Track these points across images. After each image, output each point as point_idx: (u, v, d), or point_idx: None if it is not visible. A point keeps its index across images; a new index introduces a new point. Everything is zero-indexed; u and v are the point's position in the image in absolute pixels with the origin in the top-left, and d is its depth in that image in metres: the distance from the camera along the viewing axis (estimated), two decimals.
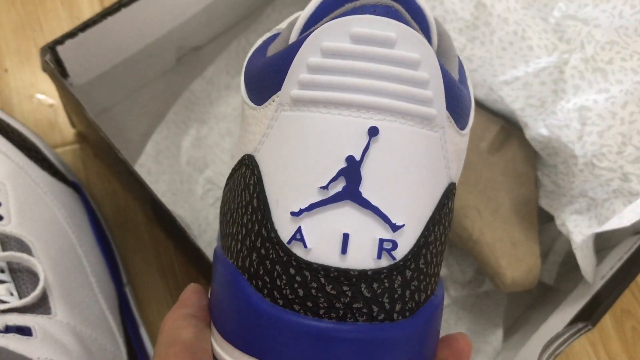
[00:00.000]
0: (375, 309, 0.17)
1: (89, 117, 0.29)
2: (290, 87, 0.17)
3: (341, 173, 0.17)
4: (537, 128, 0.29)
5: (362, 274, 0.17)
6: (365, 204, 0.17)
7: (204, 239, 0.37)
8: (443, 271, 0.37)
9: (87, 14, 0.41)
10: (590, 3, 0.29)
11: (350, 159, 0.17)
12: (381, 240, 0.17)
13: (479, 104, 0.33)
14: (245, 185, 0.19)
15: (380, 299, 0.17)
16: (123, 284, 0.34)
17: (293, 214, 0.17)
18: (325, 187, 0.17)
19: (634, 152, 0.27)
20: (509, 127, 0.33)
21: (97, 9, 0.41)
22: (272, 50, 0.20)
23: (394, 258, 0.18)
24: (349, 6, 0.17)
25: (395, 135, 0.17)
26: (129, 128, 0.38)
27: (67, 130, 0.39)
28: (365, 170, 0.17)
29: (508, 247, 0.32)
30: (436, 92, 0.17)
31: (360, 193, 0.17)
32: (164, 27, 0.36)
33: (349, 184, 0.17)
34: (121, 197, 0.37)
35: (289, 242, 0.17)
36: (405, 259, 0.18)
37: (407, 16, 0.18)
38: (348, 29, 0.17)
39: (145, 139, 0.38)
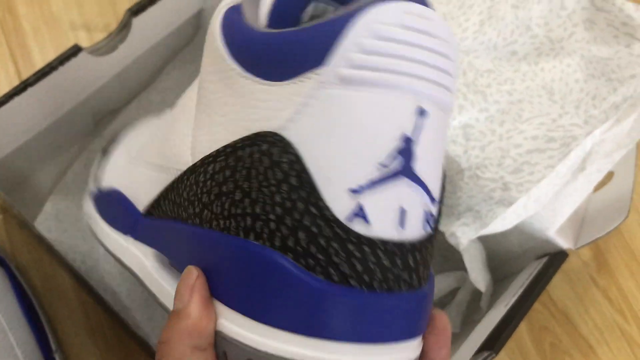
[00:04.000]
0: (414, 277, 0.18)
1: (2, 196, 0.30)
2: (339, 66, 0.17)
3: (398, 150, 0.18)
4: None
5: (412, 245, 0.18)
6: (417, 180, 0.18)
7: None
8: None
9: (3, 86, 0.42)
10: (470, 36, 0.33)
11: (406, 138, 0.18)
12: (426, 213, 0.18)
13: None
14: (273, 163, 0.18)
15: (418, 268, 0.19)
16: (52, 351, 0.34)
17: (353, 190, 0.18)
18: (384, 165, 0.18)
19: (512, 163, 0.30)
20: None
21: (14, 80, 0.42)
22: (250, 16, 0.21)
23: (432, 229, 0.19)
24: None
25: (437, 118, 0.18)
26: (50, 193, 0.39)
27: None
28: (418, 149, 0.18)
29: None
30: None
31: (414, 170, 0.18)
32: (77, 98, 0.37)
33: (405, 161, 0.18)
34: (47, 264, 0.38)
35: (350, 218, 0.18)
36: (435, 228, 0.19)
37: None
38: (401, 16, 0.17)
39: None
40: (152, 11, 0.37)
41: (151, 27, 0.39)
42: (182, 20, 0.41)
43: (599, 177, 0.33)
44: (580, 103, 0.32)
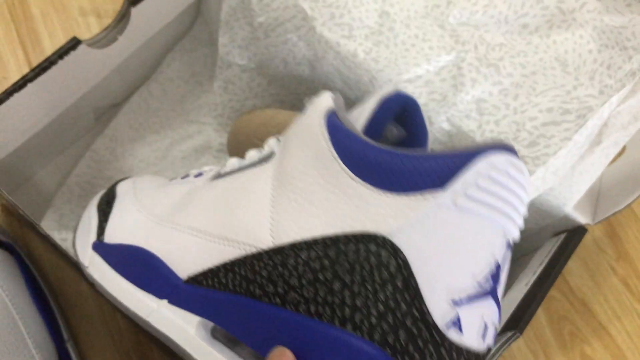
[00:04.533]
0: None
1: (6, 197, 0.29)
2: (458, 196, 0.20)
3: (491, 274, 0.21)
4: (439, 122, 0.31)
5: (482, 354, 0.21)
6: (497, 301, 0.21)
7: None
8: None
9: (13, 73, 0.41)
10: (480, 10, 0.32)
11: (497, 265, 0.21)
12: (495, 329, 0.22)
13: None
14: (381, 264, 0.20)
15: None
16: (64, 341, 0.34)
17: (455, 302, 0.20)
18: (480, 284, 0.21)
19: (528, 137, 0.30)
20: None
21: (23, 66, 0.41)
22: (359, 130, 0.25)
23: (494, 343, 0.22)
24: (500, 142, 0.21)
25: (511, 251, 0.22)
26: (54, 192, 0.38)
27: None
28: (501, 274, 0.21)
29: None
30: None
31: (497, 292, 0.21)
32: (78, 92, 0.36)
33: (493, 283, 0.21)
34: (57, 254, 0.37)
35: (448, 326, 0.20)
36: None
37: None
38: (508, 165, 0.21)
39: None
40: (150, 0, 0.36)
41: (150, 17, 0.38)
42: (181, 9, 0.41)
43: (615, 150, 0.33)
44: (594, 74, 0.31)
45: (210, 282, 0.25)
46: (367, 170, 0.22)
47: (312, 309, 0.21)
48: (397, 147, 0.25)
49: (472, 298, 0.20)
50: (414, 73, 0.31)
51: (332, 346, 0.20)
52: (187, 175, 0.31)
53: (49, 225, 0.37)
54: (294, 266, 0.22)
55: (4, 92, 0.31)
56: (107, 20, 0.44)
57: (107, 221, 0.31)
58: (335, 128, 0.23)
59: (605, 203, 0.36)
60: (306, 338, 0.21)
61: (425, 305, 0.20)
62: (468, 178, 0.20)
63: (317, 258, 0.21)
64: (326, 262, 0.21)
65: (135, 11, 0.36)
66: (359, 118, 0.26)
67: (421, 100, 0.31)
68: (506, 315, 0.31)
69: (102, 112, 0.41)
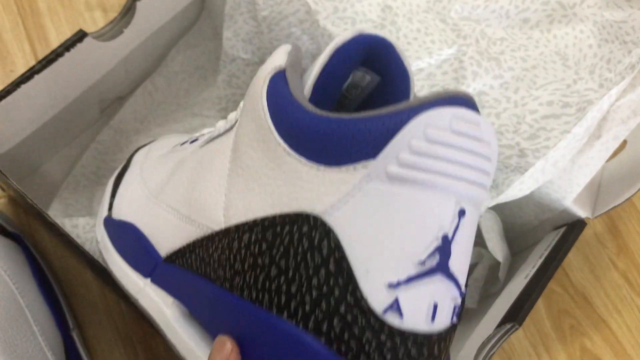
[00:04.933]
0: None
1: (14, 186, 0.29)
2: (388, 163, 0.18)
3: (437, 249, 0.18)
4: None
5: (439, 335, 0.19)
6: (450, 276, 0.19)
7: None
8: None
9: (20, 66, 0.42)
10: (482, 4, 0.32)
11: (445, 237, 0.18)
12: (455, 306, 0.19)
13: None
14: (314, 246, 0.19)
15: (441, 355, 0.19)
16: (70, 329, 0.34)
17: (391, 285, 0.18)
18: (423, 262, 0.18)
19: (528, 129, 0.30)
20: None
21: (30, 60, 0.42)
22: (294, 85, 0.21)
23: (458, 319, 0.20)
24: (446, 94, 0.19)
25: (473, 216, 0.19)
26: (60, 184, 0.39)
27: None
28: (454, 247, 0.19)
29: None
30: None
31: (449, 267, 0.19)
32: (83, 85, 0.36)
33: (441, 258, 0.19)
34: (63, 244, 0.38)
35: (385, 311, 0.18)
36: (459, 317, 0.20)
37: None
38: (451, 121, 0.18)
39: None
40: None
41: (155, 10, 0.38)
42: (185, 3, 0.41)
43: (615, 144, 0.33)
44: (594, 68, 0.31)
45: (180, 262, 0.24)
46: (302, 142, 0.20)
47: (254, 295, 0.20)
48: (344, 111, 0.22)
49: (414, 278, 0.18)
50: (416, 66, 0.32)
51: (271, 334, 0.19)
52: (191, 140, 0.29)
53: (55, 215, 0.38)
54: (237, 250, 0.21)
55: (11, 84, 0.31)
56: (113, 15, 0.44)
57: (115, 196, 0.30)
58: (276, 92, 0.21)
59: (605, 197, 0.36)
60: (249, 325, 0.20)
61: (359, 289, 0.18)
62: (399, 143, 0.18)
63: (256, 241, 0.20)
64: (264, 246, 0.20)
65: (140, 5, 0.36)
66: (312, 72, 0.23)
67: (423, 93, 0.32)
68: (505, 307, 0.31)
69: (107, 104, 0.41)
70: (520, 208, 0.36)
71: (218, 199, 0.22)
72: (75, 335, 0.34)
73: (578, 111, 0.30)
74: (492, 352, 0.29)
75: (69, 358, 0.32)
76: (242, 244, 0.20)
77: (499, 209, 0.36)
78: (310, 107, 0.20)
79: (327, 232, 0.19)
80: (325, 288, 0.18)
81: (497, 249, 0.33)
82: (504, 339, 0.30)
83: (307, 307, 0.19)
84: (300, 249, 0.19)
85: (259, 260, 0.20)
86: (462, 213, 0.19)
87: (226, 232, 0.22)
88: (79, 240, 0.36)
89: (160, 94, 0.42)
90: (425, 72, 0.32)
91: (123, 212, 0.29)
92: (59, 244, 0.38)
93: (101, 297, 0.37)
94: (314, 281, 0.19)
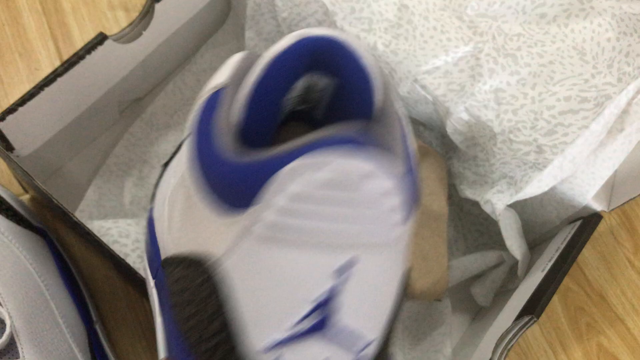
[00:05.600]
0: None
1: (40, 187, 0.29)
2: (257, 224, 0.17)
3: (316, 308, 0.17)
4: (458, 112, 0.32)
5: None
6: (337, 334, 0.18)
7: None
8: None
9: (45, 65, 0.42)
10: (498, 1, 0.32)
11: (318, 301, 0.17)
12: (359, 353, 0.18)
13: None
14: (207, 295, 0.18)
15: None
16: (93, 322, 0.35)
17: (268, 344, 0.18)
18: (295, 325, 0.17)
19: (546, 125, 0.30)
20: (425, 146, 0.34)
21: (54, 58, 0.43)
22: (223, 127, 0.19)
23: None
24: (315, 138, 0.16)
25: (371, 262, 0.17)
26: (82, 184, 0.40)
27: None
28: (343, 301, 0.17)
29: (419, 260, 0.33)
30: (407, 201, 0.17)
31: (329, 327, 0.17)
32: (104, 87, 0.37)
33: (323, 317, 0.17)
34: (88, 241, 0.38)
35: None
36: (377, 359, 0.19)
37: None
38: (313, 174, 0.16)
39: None
40: None
41: (174, 12, 0.39)
42: (203, 4, 0.41)
43: (638, 137, 0.33)
44: (613, 62, 0.31)
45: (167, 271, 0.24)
46: (208, 184, 0.18)
47: (181, 330, 0.20)
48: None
49: (292, 338, 0.17)
50: (433, 64, 0.32)
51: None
52: None
53: (88, 204, 0.38)
54: (163, 283, 0.21)
55: (35, 86, 0.32)
56: (135, 14, 0.45)
57: (157, 186, 0.29)
58: (200, 123, 0.19)
59: (621, 190, 0.36)
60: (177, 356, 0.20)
61: (236, 351, 0.18)
62: (264, 203, 0.16)
63: (169, 277, 0.20)
64: (174, 285, 0.20)
65: (159, 7, 0.37)
66: (243, 88, 0.20)
67: (440, 91, 0.32)
68: (523, 301, 0.32)
69: (126, 105, 0.42)
70: (542, 206, 0.36)
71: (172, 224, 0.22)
72: (98, 327, 0.35)
73: (596, 106, 0.30)
74: (510, 345, 0.29)
75: (92, 350, 0.33)
76: (165, 279, 0.20)
77: (519, 206, 0.36)
78: (225, 144, 0.18)
79: (218, 284, 0.18)
80: (215, 338, 0.18)
81: (515, 247, 0.33)
82: (522, 331, 0.30)
83: (198, 348, 0.19)
84: (197, 292, 0.18)
85: (172, 298, 0.20)
86: (350, 264, 0.17)
87: (163, 263, 0.21)
88: (104, 239, 0.37)
89: (189, 90, 0.43)
90: (442, 70, 0.32)
91: (154, 205, 0.28)
92: (83, 244, 0.39)
93: (124, 293, 0.37)
94: (204, 325, 0.18)
